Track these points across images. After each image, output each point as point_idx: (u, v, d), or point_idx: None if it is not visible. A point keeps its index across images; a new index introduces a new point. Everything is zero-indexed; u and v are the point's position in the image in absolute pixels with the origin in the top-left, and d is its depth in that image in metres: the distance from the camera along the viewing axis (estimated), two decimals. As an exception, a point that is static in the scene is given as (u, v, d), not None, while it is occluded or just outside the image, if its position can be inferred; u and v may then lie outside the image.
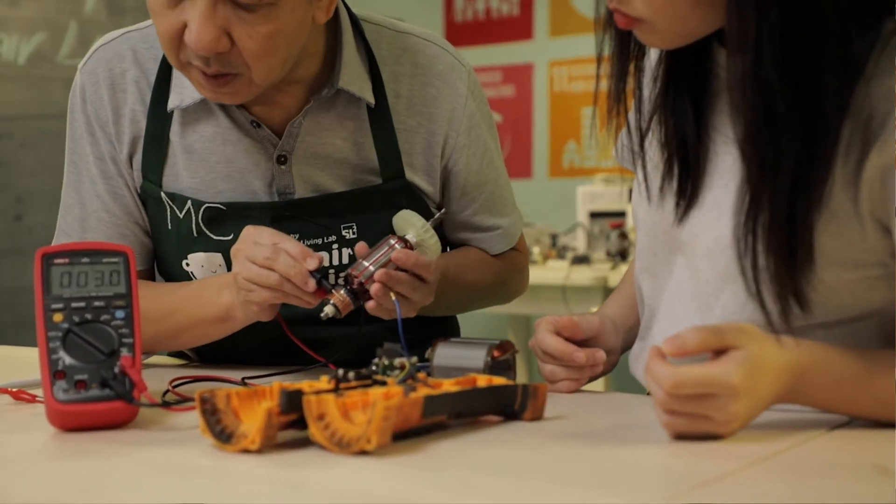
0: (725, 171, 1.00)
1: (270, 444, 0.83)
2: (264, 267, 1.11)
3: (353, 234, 1.28)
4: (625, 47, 1.02)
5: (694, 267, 1.03)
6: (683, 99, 1.02)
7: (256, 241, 1.13)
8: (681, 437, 0.85)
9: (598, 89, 1.07)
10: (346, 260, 1.27)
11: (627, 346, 1.18)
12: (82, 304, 0.95)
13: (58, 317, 0.94)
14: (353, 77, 1.25)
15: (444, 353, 1.03)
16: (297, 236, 1.24)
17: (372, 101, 1.27)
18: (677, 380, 0.82)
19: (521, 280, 1.49)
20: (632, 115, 1.08)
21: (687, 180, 1.02)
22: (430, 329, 1.33)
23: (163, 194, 1.27)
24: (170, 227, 1.28)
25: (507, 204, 1.42)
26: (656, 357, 0.85)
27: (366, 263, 1.13)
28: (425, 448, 0.84)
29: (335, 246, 1.27)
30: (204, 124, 1.26)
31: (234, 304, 1.18)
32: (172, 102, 1.26)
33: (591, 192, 3.68)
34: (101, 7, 3.41)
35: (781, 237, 0.90)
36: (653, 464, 0.82)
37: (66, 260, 0.97)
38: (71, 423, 0.91)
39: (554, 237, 3.79)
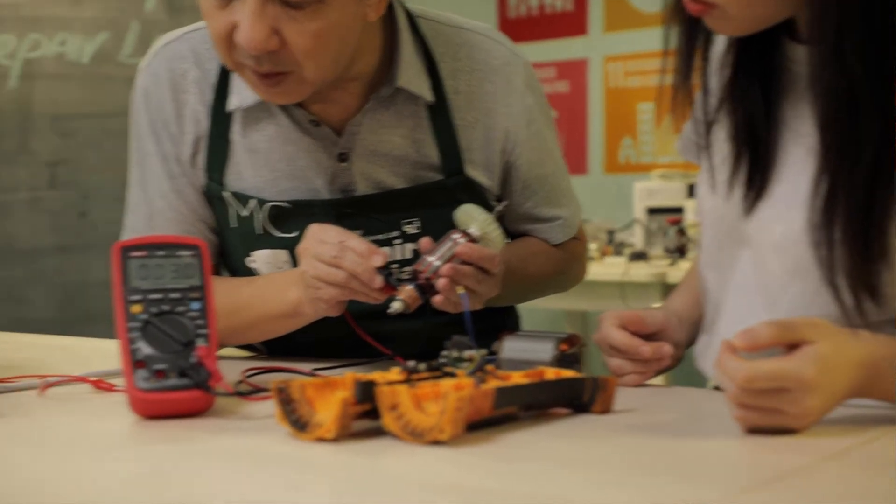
0: (795, 164, 1.00)
1: (345, 434, 0.85)
2: (331, 265, 1.13)
3: (416, 228, 1.29)
4: (692, 38, 1.02)
5: (761, 261, 1.02)
6: (754, 89, 1.02)
7: (322, 239, 1.14)
8: (753, 431, 0.85)
9: (663, 82, 1.06)
10: (408, 255, 1.29)
11: (692, 340, 1.18)
12: (159, 295, 0.98)
13: (136, 308, 0.97)
14: (412, 75, 1.26)
15: (511, 346, 1.04)
16: (361, 233, 1.25)
17: (430, 98, 1.28)
18: (750, 374, 0.82)
19: (581, 268, 1.50)
20: (697, 105, 1.08)
21: (756, 172, 1.02)
22: (491, 320, 1.34)
23: (226, 193, 1.29)
24: (234, 226, 1.30)
25: (566, 194, 1.43)
26: (727, 351, 0.85)
27: (431, 259, 1.14)
28: (497, 439, 0.85)
29: (397, 242, 1.29)
30: (265, 123, 1.28)
31: (302, 300, 1.20)
32: (233, 103, 1.27)
33: (649, 188, 3.66)
34: (161, 6, 3.46)
35: (858, 229, 0.89)
36: (724, 457, 0.82)
37: (144, 253, 0.99)
38: (152, 411, 0.93)
39: (610, 233, 3.78)
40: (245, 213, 1.29)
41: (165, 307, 0.97)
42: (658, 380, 1.16)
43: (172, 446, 0.85)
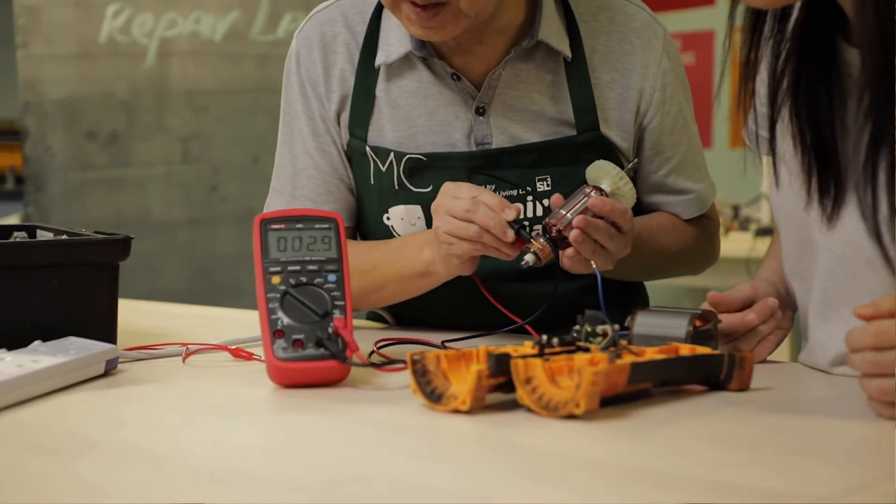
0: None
1: (479, 406, 0.86)
2: (464, 220, 1.14)
3: (547, 186, 1.30)
4: (758, 20, 1.00)
5: (851, 273, 0.99)
6: (816, 91, 0.98)
7: (455, 195, 1.16)
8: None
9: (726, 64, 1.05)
10: (539, 212, 1.30)
11: (795, 306, 1.15)
12: (297, 267, 1.00)
13: (276, 279, 0.99)
14: (552, 30, 1.29)
15: (644, 322, 1.03)
16: (493, 188, 1.27)
17: (569, 54, 1.30)
18: (879, 326, 0.80)
19: (713, 248, 1.47)
20: (759, 98, 1.05)
21: (829, 179, 0.98)
22: (619, 295, 1.34)
23: (367, 148, 1.33)
24: (372, 182, 1.34)
25: (700, 169, 1.41)
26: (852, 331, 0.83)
27: (563, 212, 1.14)
28: (632, 414, 0.84)
29: (529, 199, 1.30)
30: (407, 80, 1.32)
31: (435, 259, 1.22)
32: (379, 59, 1.32)
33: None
34: (289, -16, 3.52)
35: None
36: (868, 437, 0.80)
37: (282, 226, 1.02)
38: (290, 380, 0.96)
39: (736, 208, 3.69)
40: (383, 168, 1.32)
41: (303, 278, 1.00)
42: (782, 354, 1.14)
43: (309, 416, 0.87)
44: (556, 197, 1.16)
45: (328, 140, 1.36)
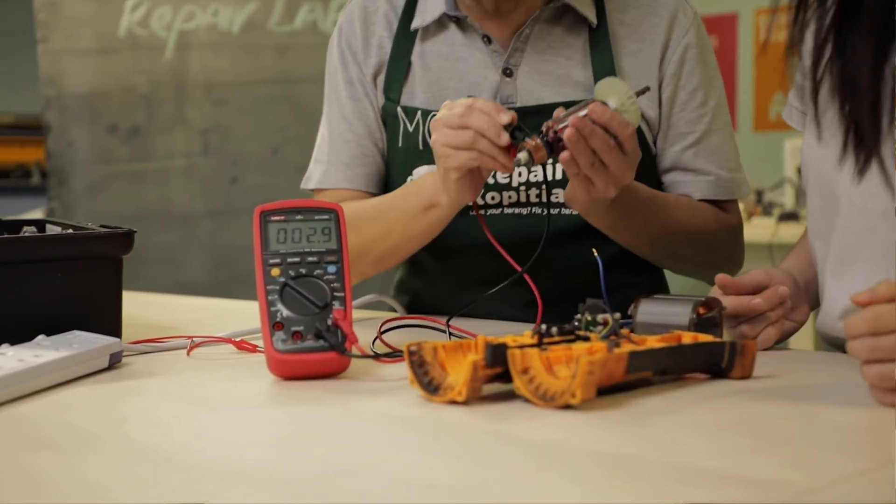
0: None
1: (476, 396, 0.85)
2: (459, 127, 1.15)
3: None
4: None
5: (869, 227, 0.98)
6: (858, 39, 0.96)
7: (451, 106, 1.18)
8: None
9: (769, 41, 1.04)
10: (559, 175, 1.32)
11: (814, 301, 1.13)
12: (297, 259, 1.00)
13: (275, 271, 0.99)
14: None
15: (647, 310, 1.02)
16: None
17: (594, 21, 1.35)
18: (876, 311, 0.79)
19: (733, 244, 1.44)
20: (800, 72, 1.04)
21: (865, 134, 0.97)
22: (640, 289, 1.33)
23: (399, 109, 1.38)
24: (400, 144, 1.39)
25: (728, 158, 1.41)
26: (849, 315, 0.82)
27: (562, 116, 1.13)
28: (630, 403, 0.84)
29: (549, 162, 1.30)
30: (440, 44, 1.39)
31: (438, 187, 1.24)
32: (415, 23, 1.39)
33: (801, 146, 3.52)
34: (307, -23, 3.51)
35: None
36: (865, 425, 0.78)
37: (282, 217, 1.02)
38: (289, 372, 0.96)
39: (759, 193, 3.66)
40: (411, 128, 1.37)
41: (303, 270, 0.99)
42: (805, 345, 1.12)
43: (306, 407, 0.87)
44: (559, 109, 1.16)
45: (366, 103, 1.42)
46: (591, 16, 1.35)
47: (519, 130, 1.12)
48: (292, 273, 0.99)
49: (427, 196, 1.26)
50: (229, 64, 3.45)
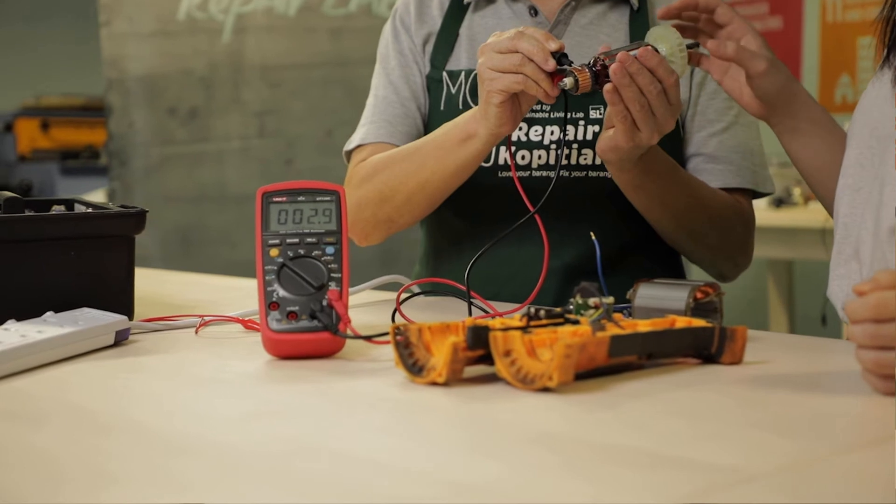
0: None
1: (457, 378, 0.85)
2: (508, 51, 1.17)
3: (600, 115, 1.35)
4: None
5: None
6: None
7: (501, 34, 1.20)
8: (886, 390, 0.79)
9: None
10: (590, 136, 1.35)
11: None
12: (296, 239, 1.01)
13: (274, 252, 1.00)
14: None
15: (645, 294, 1.02)
16: (546, 107, 1.36)
17: (636, 3, 1.40)
18: (879, 298, 0.77)
19: (746, 235, 1.42)
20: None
21: None
22: (657, 261, 1.38)
23: (444, 73, 1.43)
24: (442, 108, 1.43)
25: (753, 153, 1.40)
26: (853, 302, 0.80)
27: (612, 51, 1.15)
28: (608, 387, 0.83)
29: (581, 123, 1.35)
30: (489, 18, 1.44)
31: (476, 118, 1.25)
32: None
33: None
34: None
35: None
36: (844, 412, 0.77)
37: (284, 198, 1.03)
38: (283, 352, 0.97)
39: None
40: (454, 90, 1.42)
41: (301, 251, 1.01)
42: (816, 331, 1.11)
43: (290, 386, 0.88)
44: (605, 45, 1.18)
45: (415, 70, 1.47)
46: None
47: (566, 58, 1.15)
48: (290, 254, 1.00)
49: (464, 127, 1.28)
50: (285, 47, 3.48)
